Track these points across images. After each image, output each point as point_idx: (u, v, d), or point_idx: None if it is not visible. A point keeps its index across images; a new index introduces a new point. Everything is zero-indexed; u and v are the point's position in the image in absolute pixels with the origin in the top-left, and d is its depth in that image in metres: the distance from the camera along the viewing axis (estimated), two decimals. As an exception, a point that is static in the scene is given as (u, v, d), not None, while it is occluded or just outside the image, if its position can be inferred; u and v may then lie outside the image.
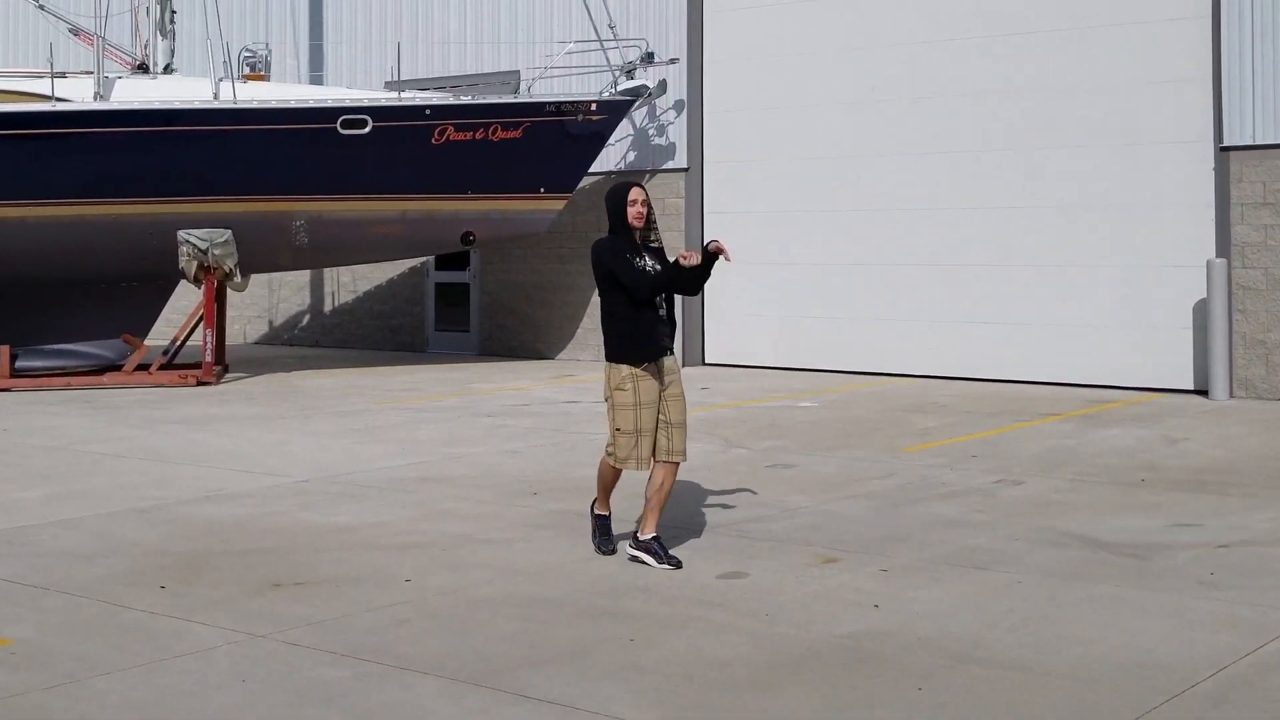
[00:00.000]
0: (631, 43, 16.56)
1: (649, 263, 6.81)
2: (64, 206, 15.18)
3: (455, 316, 19.20)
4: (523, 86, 17.28)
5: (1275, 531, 7.51)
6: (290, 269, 18.33)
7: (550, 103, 16.07)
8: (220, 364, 15.92)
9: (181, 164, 15.30)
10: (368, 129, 15.50)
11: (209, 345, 15.44)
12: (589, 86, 16.91)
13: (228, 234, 15.37)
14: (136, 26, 17.22)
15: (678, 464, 6.86)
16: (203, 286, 15.58)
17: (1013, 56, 15.01)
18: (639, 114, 17.15)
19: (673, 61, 16.62)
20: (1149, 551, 7.07)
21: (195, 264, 15.39)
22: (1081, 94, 14.61)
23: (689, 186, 17.04)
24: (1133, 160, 14.32)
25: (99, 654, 5.45)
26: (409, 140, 15.66)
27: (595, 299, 15.24)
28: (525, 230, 16.74)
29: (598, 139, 16.36)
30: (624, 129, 17.13)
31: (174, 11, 16.76)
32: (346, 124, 15.46)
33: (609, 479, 7.05)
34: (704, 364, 17.01)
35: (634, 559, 6.84)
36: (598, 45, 16.36)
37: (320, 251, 16.43)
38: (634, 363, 6.79)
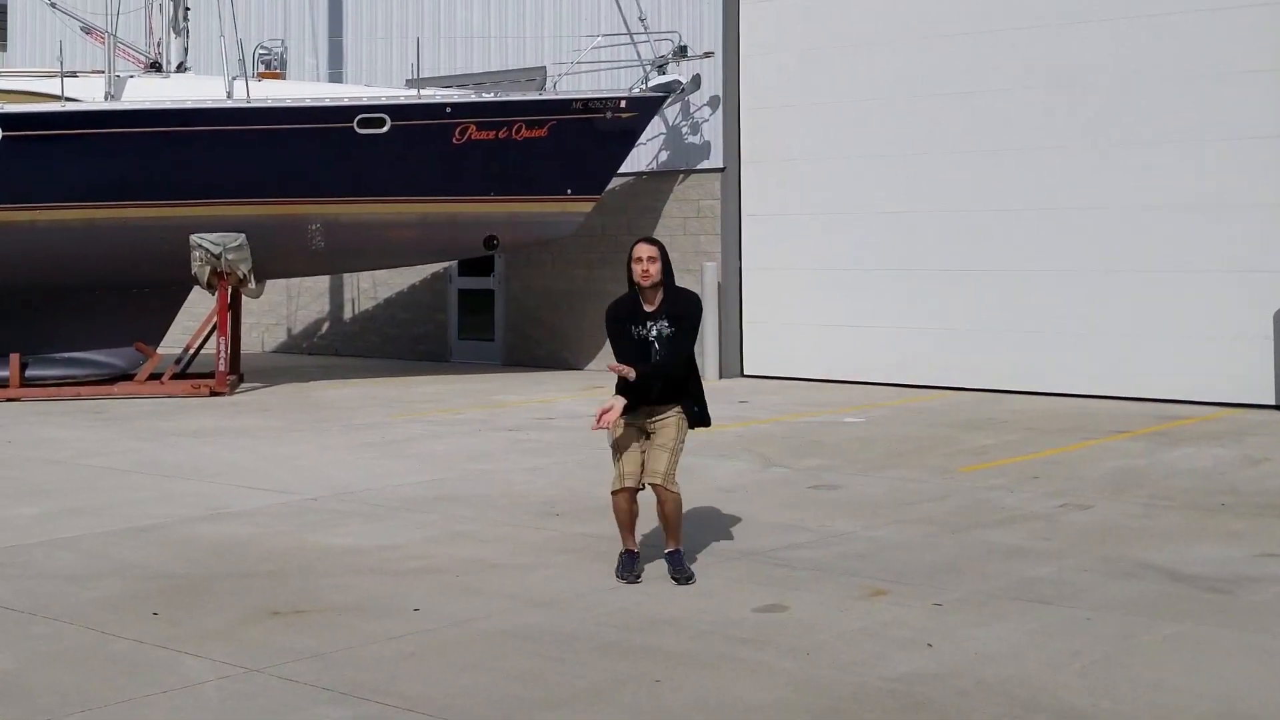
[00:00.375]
0: (663, 36, 16.29)
1: (653, 329, 6.86)
2: (74, 210, 15.18)
3: (479, 325, 19.08)
4: (549, 83, 17.05)
5: (1368, 561, 7.16)
6: (307, 274, 18.32)
7: (577, 99, 15.86)
8: (235, 373, 15.97)
9: (194, 165, 15.27)
10: (386, 128, 15.34)
11: (222, 354, 15.45)
12: (618, 82, 16.70)
13: (241, 238, 15.32)
14: (150, 24, 17.17)
15: (665, 487, 6.84)
16: (216, 293, 15.62)
17: (1077, 47, 14.53)
18: (671, 111, 16.91)
19: (707, 55, 16.35)
20: (1234, 585, 6.75)
21: (208, 269, 15.43)
22: (1149, 87, 14.12)
23: (725, 187, 16.74)
24: (1205, 158, 13.81)
25: (81, 688, 5.29)
26: (429, 140, 15.52)
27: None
28: (551, 234, 16.57)
29: (628, 137, 16.15)
30: (656, 127, 16.87)
31: (188, 8, 16.74)
32: (364, 123, 15.32)
33: (620, 514, 6.98)
34: (742, 375, 16.75)
35: None
36: (627, 38, 16.13)
37: (337, 256, 16.34)
38: (620, 392, 6.90)
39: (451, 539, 7.85)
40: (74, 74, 15.75)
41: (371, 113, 15.36)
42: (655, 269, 6.88)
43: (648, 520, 7.26)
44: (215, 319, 15.61)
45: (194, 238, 15.18)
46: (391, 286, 19.81)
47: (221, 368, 15.33)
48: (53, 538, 7.88)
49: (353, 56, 19.77)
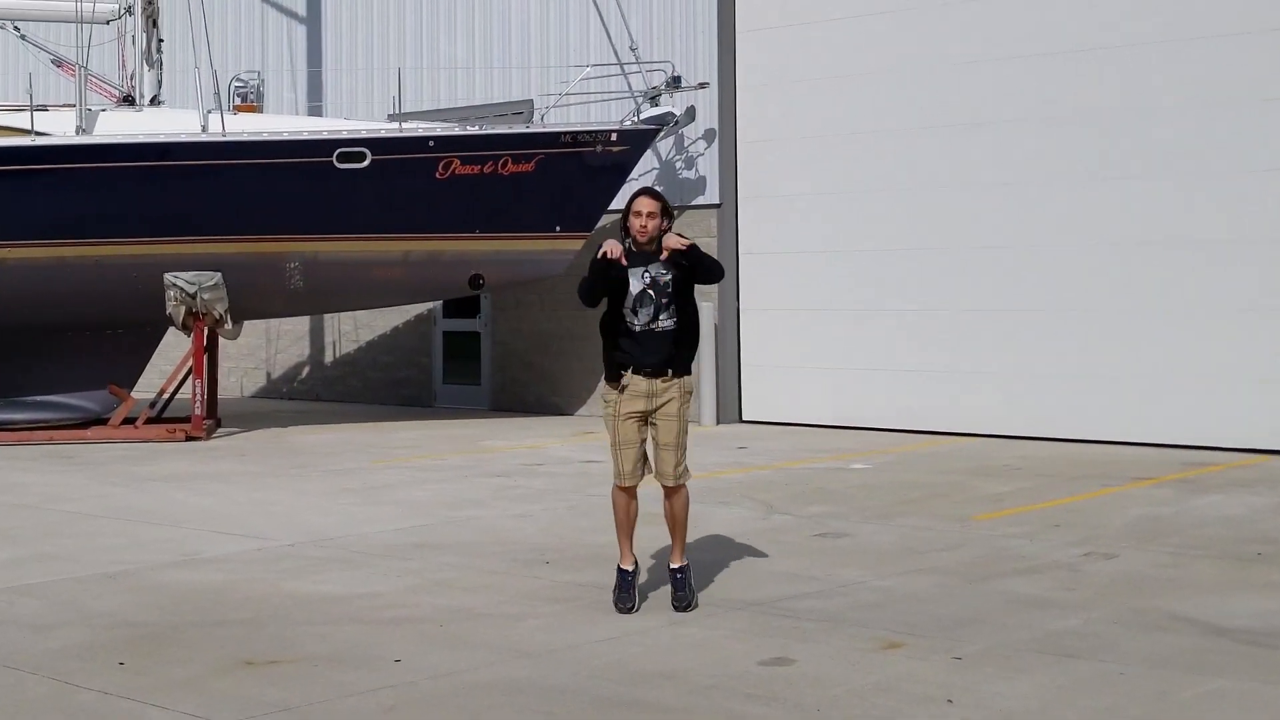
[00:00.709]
0: (656, 66, 16.15)
1: (646, 274, 6.88)
2: (43, 247, 15.04)
3: (465, 368, 18.90)
4: (536, 115, 16.92)
5: None
6: (285, 315, 18.18)
7: (566, 132, 15.73)
8: (211, 418, 15.85)
9: (168, 201, 15.12)
10: (366, 163, 15.21)
11: (199, 398, 15.33)
12: (609, 115, 16.55)
13: (217, 277, 15.18)
14: (123, 57, 17.06)
15: (674, 487, 6.95)
16: (191, 334, 15.48)
17: (1092, 75, 14.28)
18: (665, 144, 16.77)
19: (702, 86, 16.18)
20: (1274, 638, 6.52)
21: (183, 309, 15.31)
22: (1172, 118, 13.86)
23: (722, 224, 16.57)
24: (1236, 190, 13.51)
25: (36, 746, 5.16)
26: (411, 174, 15.38)
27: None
28: (540, 273, 16.38)
29: (619, 172, 15.96)
30: (648, 161, 16.70)
31: (161, 40, 16.65)
32: (343, 157, 15.18)
33: (619, 511, 7.04)
34: (741, 421, 16.52)
35: None
36: (618, 69, 15.99)
37: (317, 296, 16.17)
38: (610, 380, 7.00)
39: (434, 587, 7.67)
40: (44, 108, 15.62)
41: (351, 146, 15.22)
42: (654, 225, 6.89)
43: (647, 534, 7.06)
44: (191, 361, 15.44)
45: (168, 276, 15.04)
46: (374, 329, 19.64)
47: (198, 412, 15.18)
48: (16, 584, 7.78)
49: (332, 89, 19.65)
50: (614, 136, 15.70)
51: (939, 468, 12.51)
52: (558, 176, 15.64)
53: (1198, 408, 13.67)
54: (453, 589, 7.62)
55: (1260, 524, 9.49)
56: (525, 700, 5.59)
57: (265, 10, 20.40)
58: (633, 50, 15.96)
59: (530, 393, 18.10)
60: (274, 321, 19.98)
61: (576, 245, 16.11)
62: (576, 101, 16.71)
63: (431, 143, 15.46)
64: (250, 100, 16.28)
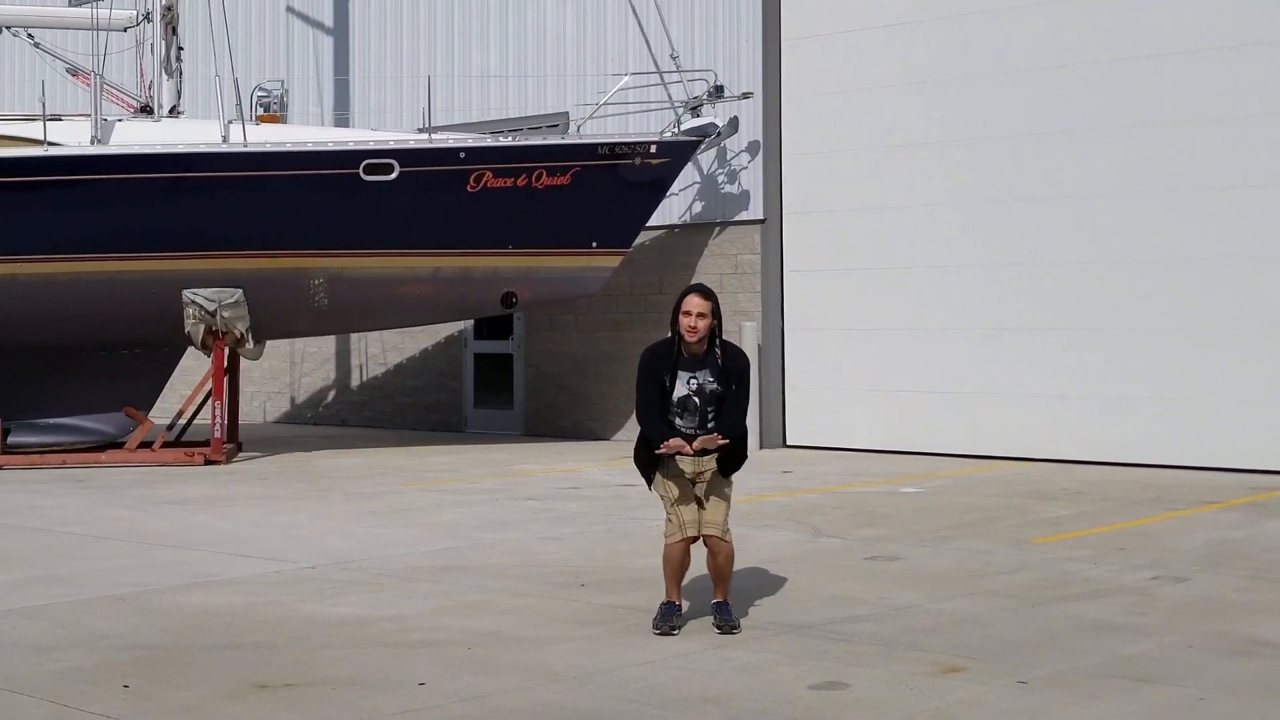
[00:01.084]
0: (697, 75, 16.08)
1: (693, 381, 6.88)
2: (58, 263, 15.05)
3: (497, 392, 18.87)
4: (572, 127, 16.87)
5: None
6: (309, 334, 18.17)
7: (603, 144, 15.67)
8: (232, 441, 15.85)
9: (187, 215, 15.13)
10: (394, 175, 15.17)
11: (219, 420, 15.28)
12: (648, 126, 16.50)
13: (238, 294, 15.16)
14: (140, 66, 17.12)
15: (721, 538, 6.98)
16: (211, 354, 15.44)
17: (1157, 82, 14.13)
18: (706, 157, 16.71)
19: (745, 96, 16.12)
20: (1361, 662, 6.33)
21: (203, 328, 15.28)
22: (1242, 129, 13.67)
23: (766, 241, 16.47)
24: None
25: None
26: (441, 188, 15.35)
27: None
28: (575, 291, 16.33)
29: (658, 186, 15.96)
30: (689, 174, 16.67)
31: (181, 48, 16.69)
32: (370, 169, 15.15)
33: (673, 564, 7.06)
34: (785, 445, 16.38)
35: None
36: (658, 78, 15.92)
37: (342, 314, 16.14)
38: (645, 476, 7.11)
39: (463, 610, 7.57)
40: (58, 117, 15.64)
41: (379, 158, 15.20)
42: (704, 326, 6.88)
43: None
44: (211, 382, 15.40)
45: (187, 293, 15.01)
46: (402, 351, 19.63)
47: (218, 435, 15.14)
48: (21, 606, 7.74)
49: (359, 100, 19.70)
50: (653, 148, 15.65)
51: (993, 491, 12.41)
52: (594, 190, 15.58)
53: (1262, 431, 13.50)
54: (482, 611, 7.52)
55: (1339, 548, 9.31)
56: (558, 725, 5.47)
57: (290, 20, 20.49)
58: (673, 59, 15.90)
59: (565, 417, 18.00)
60: (298, 344, 20.00)
61: (613, 262, 16.04)
62: (614, 112, 16.67)
63: (462, 154, 15.41)
64: (273, 110, 16.25)
